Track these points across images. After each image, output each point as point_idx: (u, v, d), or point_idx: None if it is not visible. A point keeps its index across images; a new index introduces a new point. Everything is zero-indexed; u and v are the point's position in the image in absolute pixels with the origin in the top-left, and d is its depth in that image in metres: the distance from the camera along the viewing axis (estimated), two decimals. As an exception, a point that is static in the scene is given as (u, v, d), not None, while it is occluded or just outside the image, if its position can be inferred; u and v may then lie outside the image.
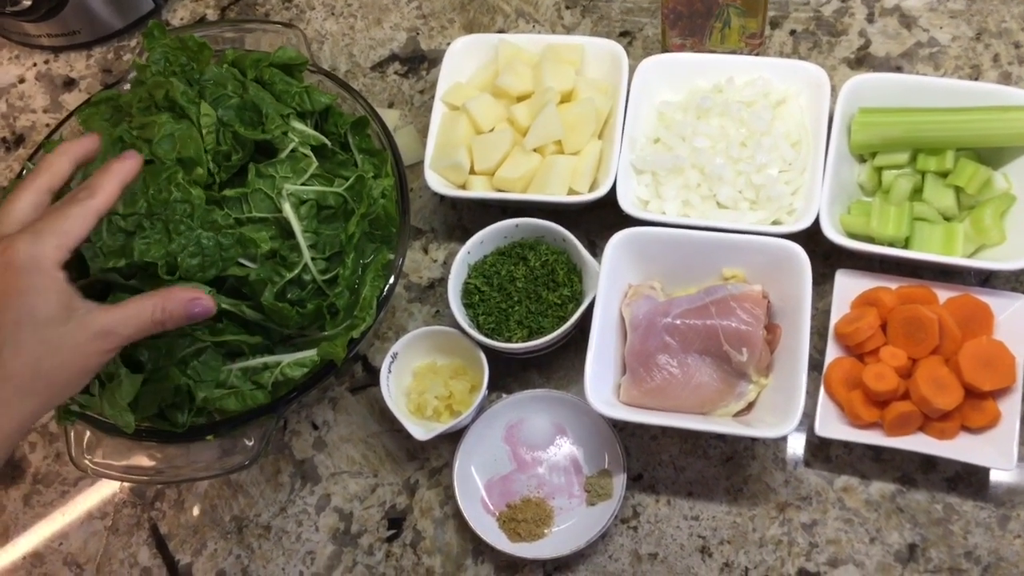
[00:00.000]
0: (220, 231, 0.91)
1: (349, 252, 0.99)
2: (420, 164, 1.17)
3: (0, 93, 1.36)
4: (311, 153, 1.02)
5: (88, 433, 1.00)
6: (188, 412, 0.96)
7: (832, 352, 1.01)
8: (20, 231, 0.76)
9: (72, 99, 1.33)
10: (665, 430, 1.04)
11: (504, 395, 1.08)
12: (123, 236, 0.91)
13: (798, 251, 0.99)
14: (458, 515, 1.01)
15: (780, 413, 0.94)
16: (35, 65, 1.38)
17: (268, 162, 0.98)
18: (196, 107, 1.00)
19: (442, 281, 1.15)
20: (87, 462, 0.99)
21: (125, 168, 0.82)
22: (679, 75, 1.12)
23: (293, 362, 0.98)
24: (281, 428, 1.10)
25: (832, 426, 0.98)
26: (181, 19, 1.38)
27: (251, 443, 0.99)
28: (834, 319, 1.02)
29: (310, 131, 1.05)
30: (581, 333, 1.05)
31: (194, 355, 0.95)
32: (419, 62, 1.29)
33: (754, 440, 1.03)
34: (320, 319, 0.98)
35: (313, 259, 0.97)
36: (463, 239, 1.10)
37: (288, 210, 0.96)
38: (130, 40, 1.37)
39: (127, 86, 1.13)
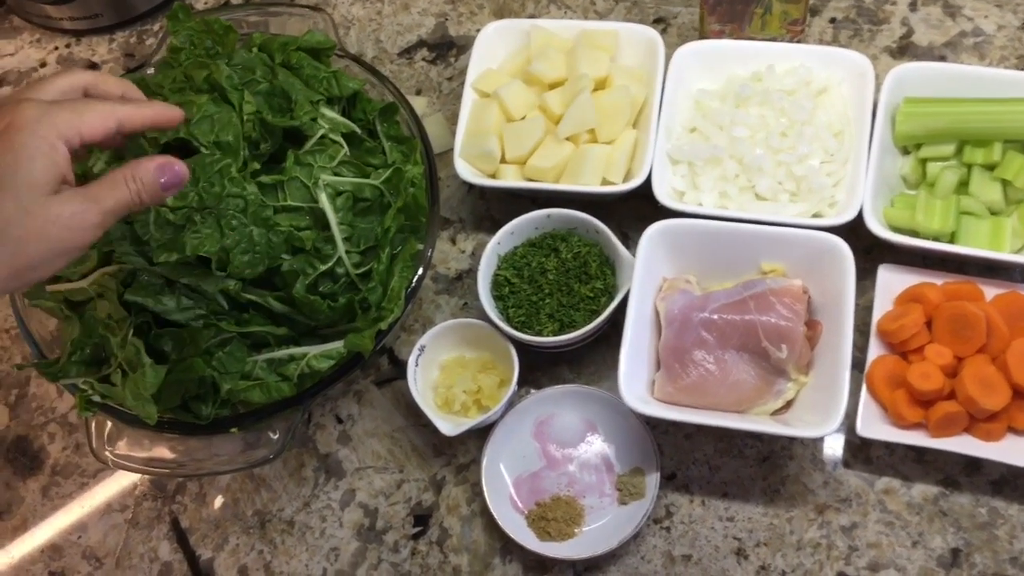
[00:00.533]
0: (272, 228, 0.90)
1: (384, 246, 0.96)
2: (448, 152, 1.14)
3: (21, 77, 1.34)
4: (342, 140, 1.00)
5: (109, 424, 0.98)
6: (212, 404, 0.94)
7: (874, 350, 0.98)
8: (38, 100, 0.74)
9: (94, 84, 1.31)
10: (700, 428, 1.01)
11: (533, 390, 1.05)
12: (172, 230, 0.88)
13: (841, 245, 0.96)
14: (486, 513, 0.98)
15: (821, 412, 0.92)
16: (56, 49, 1.35)
17: (305, 150, 0.95)
18: (239, 93, 0.97)
19: (470, 272, 1.13)
20: (108, 454, 0.97)
21: (167, 114, 0.79)
22: (717, 62, 1.09)
23: (319, 354, 0.96)
24: (305, 421, 1.08)
25: (874, 426, 0.95)
26: (205, 3, 1.35)
27: (275, 436, 0.96)
28: (876, 316, 0.99)
29: (340, 118, 1.03)
30: (613, 327, 1.03)
31: (219, 346, 0.93)
32: (447, 48, 1.26)
33: (792, 440, 1.00)
34: (351, 314, 0.96)
35: (347, 252, 0.95)
36: (492, 229, 1.07)
37: (324, 201, 0.93)
38: (153, 24, 1.35)
39: (151, 70, 1.11)
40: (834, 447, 1.00)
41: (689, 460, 1.01)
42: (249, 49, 1.05)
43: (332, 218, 0.95)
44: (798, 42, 1.12)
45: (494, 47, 1.15)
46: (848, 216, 0.99)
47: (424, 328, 1.10)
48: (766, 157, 1.03)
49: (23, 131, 0.70)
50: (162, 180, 0.75)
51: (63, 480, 1.09)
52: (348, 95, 1.04)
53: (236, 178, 0.87)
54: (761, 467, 1.00)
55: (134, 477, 1.07)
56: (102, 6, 1.30)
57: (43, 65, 1.34)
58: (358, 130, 1.04)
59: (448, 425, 0.99)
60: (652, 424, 0.99)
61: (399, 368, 1.09)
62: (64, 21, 1.32)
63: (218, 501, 1.05)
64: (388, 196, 0.99)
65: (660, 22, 1.22)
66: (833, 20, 1.19)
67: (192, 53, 1.04)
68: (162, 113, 0.79)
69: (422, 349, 1.03)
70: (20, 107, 0.71)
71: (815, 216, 1.02)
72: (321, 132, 0.99)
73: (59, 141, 0.72)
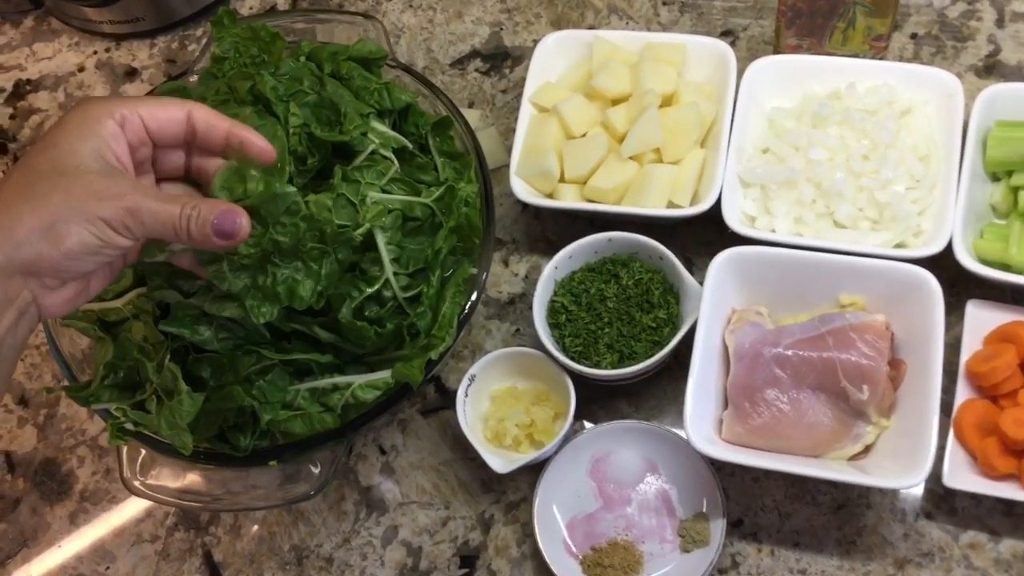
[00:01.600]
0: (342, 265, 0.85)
1: (435, 269, 0.90)
2: (501, 169, 1.09)
3: (58, 82, 1.29)
4: (392, 156, 0.94)
5: (143, 452, 0.92)
6: (251, 435, 0.88)
7: (962, 393, 0.91)
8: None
9: (133, 90, 1.26)
10: (769, 472, 0.94)
11: (589, 424, 0.99)
12: (247, 275, 0.80)
13: (928, 278, 0.89)
14: (537, 556, 0.92)
15: (904, 460, 0.85)
16: (95, 53, 1.31)
17: (354, 166, 0.89)
18: (285, 105, 0.92)
19: (523, 297, 1.07)
20: (138, 484, 0.91)
21: (253, 138, 0.76)
22: (793, 79, 1.03)
23: (365, 384, 0.90)
24: (346, 452, 1.02)
25: (962, 476, 0.88)
26: (250, 8, 1.30)
27: (317, 470, 0.91)
28: (964, 355, 0.92)
29: (391, 132, 0.97)
30: (675, 359, 0.97)
31: (260, 373, 0.87)
32: (502, 59, 1.20)
33: (869, 487, 0.92)
34: (399, 340, 0.90)
35: (395, 274, 0.89)
36: (546, 252, 1.01)
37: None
38: (196, 29, 1.30)
39: (194, 78, 1.06)
40: (915, 496, 0.93)
41: (757, 506, 0.94)
42: (296, 58, 1.00)
43: (380, 238, 0.89)
44: (880, 59, 1.05)
45: (553, 59, 1.09)
46: (936, 247, 0.92)
47: (473, 355, 1.04)
48: (846, 181, 0.96)
49: (75, 110, 0.68)
50: (215, 222, 0.70)
51: (91, 507, 1.03)
52: (400, 108, 0.99)
53: (307, 213, 0.80)
54: (836, 516, 0.93)
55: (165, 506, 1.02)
56: (144, 9, 1.25)
57: (81, 70, 1.30)
58: (409, 145, 0.98)
59: (499, 461, 0.93)
60: (717, 466, 0.93)
61: (446, 397, 1.03)
62: (104, 24, 1.27)
63: (253, 534, 1.00)
64: (440, 215, 0.93)
65: (728, 35, 1.16)
66: (914, 36, 1.12)
67: (236, 62, 0.99)
68: (247, 134, 0.76)
69: (472, 379, 0.97)
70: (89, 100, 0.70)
71: (899, 246, 0.95)
72: (371, 147, 0.93)
73: (107, 117, 0.69)
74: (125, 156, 0.71)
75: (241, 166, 0.76)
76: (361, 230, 0.85)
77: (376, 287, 0.89)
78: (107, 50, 1.31)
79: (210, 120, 0.75)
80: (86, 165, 0.67)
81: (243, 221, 0.71)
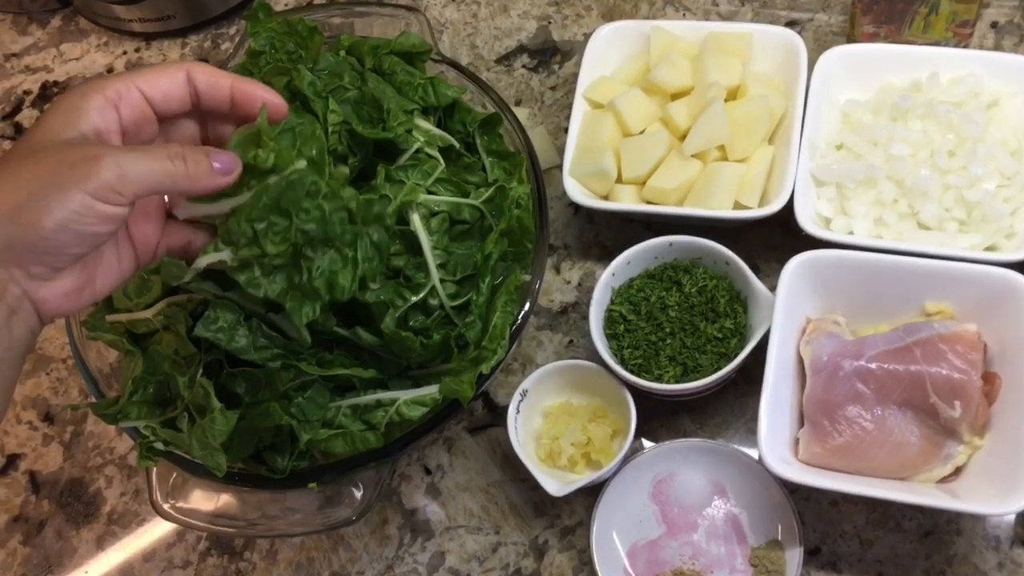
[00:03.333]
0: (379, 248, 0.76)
1: (484, 275, 0.84)
2: (551, 170, 1.02)
3: (87, 83, 1.24)
4: (438, 155, 0.88)
5: (174, 474, 0.86)
6: (289, 456, 0.82)
7: (1064, 409, 0.83)
8: None
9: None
10: (850, 496, 0.86)
11: (649, 443, 0.92)
12: (281, 276, 0.71)
13: (1022, 284, 0.82)
14: (596, 585, 0.85)
15: (1000, 484, 0.78)
16: (125, 53, 1.26)
17: (398, 165, 0.83)
18: (324, 101, 0.86)
19: (576, 306, 1.00)
20: (168, 508, 0.85)
21: (265, 95, 0.70)
22: (868, 70, 0.96)
23: (411, 400, 0.83)
24: (391, 469, 0.95)
25: (1067, 502, 0.79)
26: (286, 4, 1.25)
27: (359, 493, 0.84)
28: (1066, 368, 0.84)
29: (436, 130, 0.91)
30: (741, 372, 0.90)
31: (298, 389, 0.81)
32: (550, 54, 1.14)
33: (960, 513, 0.85)
34: (446, 352, 0.83)
35: (442, 281, 0.82)
36: (600, 257, 0.95)
37: (417, 223, 0.82)
38: (229, 27, 1.25)
39: (227, 75, 1.00)
40: (1009, 522, 0.85)
41: (836, 532, 0.86)
42: (336, 53, 0.94)
43: (425, 242, 0.83)
44: (965, 46, 0.97)
45: (607, 52, 1.03)
46: None
47: (524, 368, 0.98)
48: (932, 179, 0.88)
49: (66, 91, 0.63)
50: (216, 165, 0.64)
51: (120, 530, 0.98)
52: (446, 104, 0.92)
53: (328, 191, 0.70)
54: (923, 544, 0.85)
55: (198, 529, 0.96)
56: (175, 7, 1.20)
57: (110, 70, 1.25)
58: (456, 143, 0.92)
59: (554, 483, 0.87)
60: (791, 489, 0.85)
61: (495, 414, 0.96)
62: (134, 23, 1.22)
63: (290, 560, 0.94)
64: (489, 218, 0.87)
65: (794, 24, 1.09)
66: (995, 24, 1.04)
67: (273, 57, 0.93)
68: (251, 87, 0.69)
69: (524, 394, 0.91)
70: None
71: (989, 249, 0.88)
72: (416, 146, 0.87)
73: (95, 93, 0.62)
74: (110, 131, 0.64)
75: (260, 131, 0.69)
76: (392, 207, 0.77)
77: (422, 295, 0.83)
78: (137, 50, 1.25)
79: (211, 79, 0.68)
80: (61, 140, 0.61)
81: (234, 158, 0.65)
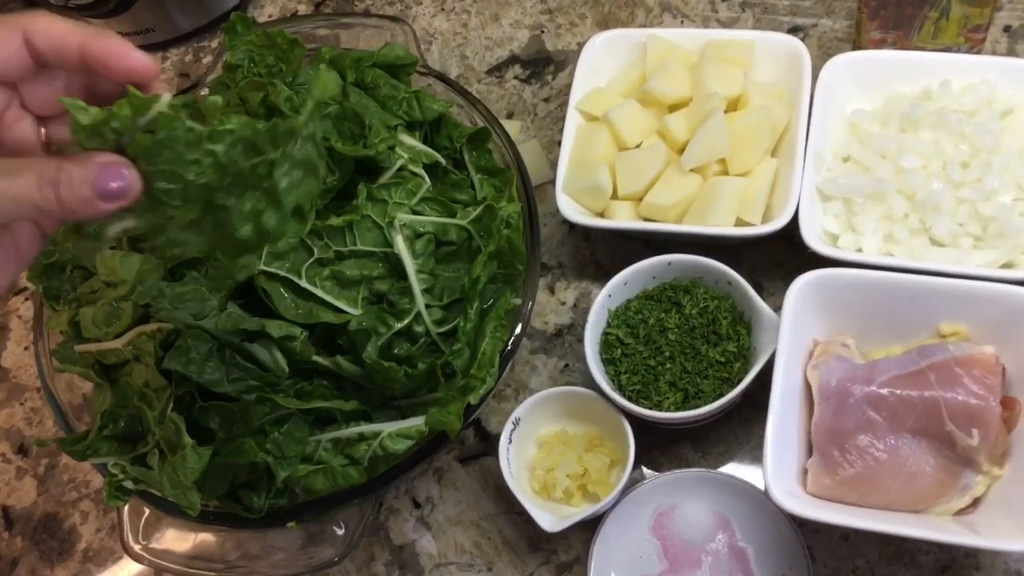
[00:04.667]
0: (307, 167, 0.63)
1: (473, 300, 0.79)
2: (545, 185, 0.98)
3: (65, 100, 1.20)
4: (423, 172, 0.83)
5: (147, 512, 0.82)
6: (266, 494, 0.78)
7: (1089, 437, 0.78)
8: None
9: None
10: (862, 530, 0.82)
11: (650, 472, 0.88)
12: (196, 233, 0.60)
13: None
14: (594, 626, 0.80)
15: (1020, 516, 0.74)
16: None
17: (381, 183, 0.79)
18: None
19: (571, 328, 0.95)
20: (140, 550, 0.81)
21: (126, 55, 0.55)
22: (876, 78, 0.91)
23: (395, 433, 0.79)
24: (376, 505, 0.90)
25: (1093, 536, 0.74)
26: (269, 15, 1.21)
27: (342, 531, 0.80)
28: (1089, 394, 0.79)
29: (421, 146, 0.87)
30: (745, 398, 0.85)
31: (275, 424, 0.76)
32: (544, 65, 1.09)
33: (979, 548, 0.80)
34: (432, 382, 0.79)
35: (428, 307, 0.78)
36: (597, 277, 0.90)
37: (401, 245, 0.77)
38: (211, 40, 1.21)
39: (205, 90, 0.96)
40: (1033, 556, 0.80)
41: (848, 568, 0.82)
42: (317, 66, 0.90)
43: (410, 265, 0.78)
44: (978, 52, 0.92)
45: (602, 62, 0.99)
46: None
47: (517, 394, 0.93)
48: (944, 193, 0.84)
49: None
50: (95, 182, 0.52)
51: (95, 568, 0.93)
52: (432, 119, 0.88)
53: (210, 130, 0.55)
54: (940, 580, 0.80)
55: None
56: (155, 19, 1.16)
57: (89, 87, 1.21)
58: (442, 160, 0.88)
59: (549, 517, 0.82)
60: (800, 522, 0.80)
61: (488, 443, 0.92)
62: (114, 37, 1.18)
63: (273, 599, 0.89)
64: (478, 239, 0.82)
65: (796, 32, 1.04)
66: (1008, 28, 1.00)
67: (250, 71, 0.89)
68: (107, 42, 0.55)
69: (516, 422, 0.86)
70: None
71: (1006, 266, 0.84)
72: (400, 163, 0.83)
73: None
74: None
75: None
76: (305, 116, 0.59)
77: (406, 321, 0.79)
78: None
79: (55, 34, 0.55)
80: None
81: (130, 172, 0.53)
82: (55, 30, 0.55)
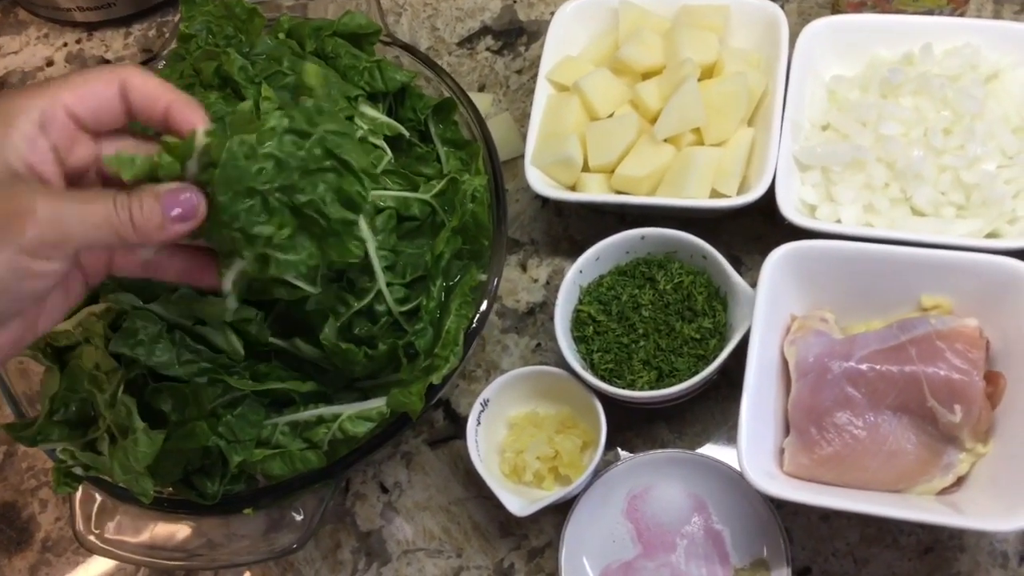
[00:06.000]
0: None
1: (436, 277, 0.77)
2: (517, 160, 0.95)
3: (25, 78, 1.17)
4: (385, 145, 0.80)
5: (99, 499, 0.79)
6: (220, 480, 0.75)
7: (1076, 412, 0.75)
8: None
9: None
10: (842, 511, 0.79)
11: (625, 454, 0.85)
12: (302, 236, 0.62)
13: None
14: (566, 612, 0.78)
15: (1007, 495, 0.71)
16: (66, 45, 1.18)
17: None
18: (256, 88, 0.79)
19: (544, 307, 0.92)
20: (94, 539, 0.78)
21: (187, 107, 0.60)
22: (856, 42, 0.89)
23: (355, 415, 0.76)
24: (342, 490, 0.88)
25: (1081, 514, 0.72)
26: (234, -12, 1.17)
27: (300, 518, 0.77)
28: (1077, 367, 0.76)
29: (383, 117, 0.84)
30: (723, 375, 0.83)
31: (228, 406, 0.73)
32: (516, 36, 1.06)
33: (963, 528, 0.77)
34: (395, 363, 0.76)
35: (389, 285, 0.75)
36: (571, 254, 0.88)
37: (360, 220, 0.74)
38: (174, 15, 1.17)
39: (162, 63, 0.93)
40: (1020, 536, 0.78)
41: (827, 550, 0.79)
42: (275, 35, 0.87)
43: (370, 242, 0.75)
44: (961, 14, 0.89)
45: (573, 30, 0.96)
46: None
47: (488, 375, 0.90)
48: (925, 160, 0.81)
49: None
50: (172, 212, 0.56)
51: (55, 559, 0.90)
52: (395, 89, 0.85)
53: (259, 134, 0.59)
54: (922, 561, 0.78)
55: (136, 557, 0.88)
56: (114, -8, 1.13)
57: (50, 64, 1.18)
58: (406, 132, 0.85)
59: (518, 501, 0.79)
60: (778, 503, 0.78)
61: (458, 425, 0.89)
62: (75, 12, 1.15)
63: (236, 588, 0.86)
64: (441, 213, 0.79)
65: (775, -3, 1.01)
66: (994, -10, 0.96)
67: (206, 41, 0.86)
68: (190, 114, 0.60)
69: (485, 404, 0.83)
70: None
71: (991, 236, 0.81)
72: (359, 135, 0.80)
73: (21, 117, 0.54)
74: (44, 163, 0.56)
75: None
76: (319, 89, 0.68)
77: (367, 300, 0.76)
78: (78, 41, 1.18)
79: (146, 94, 0.59)
80: None
81: (194, 194, 0.57)
82: (149, 87, 0.59)
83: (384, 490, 0.88)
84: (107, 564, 0.89)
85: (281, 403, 0.76)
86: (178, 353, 0.73)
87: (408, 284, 0.78)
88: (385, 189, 0.78)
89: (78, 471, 0.76)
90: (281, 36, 0.87)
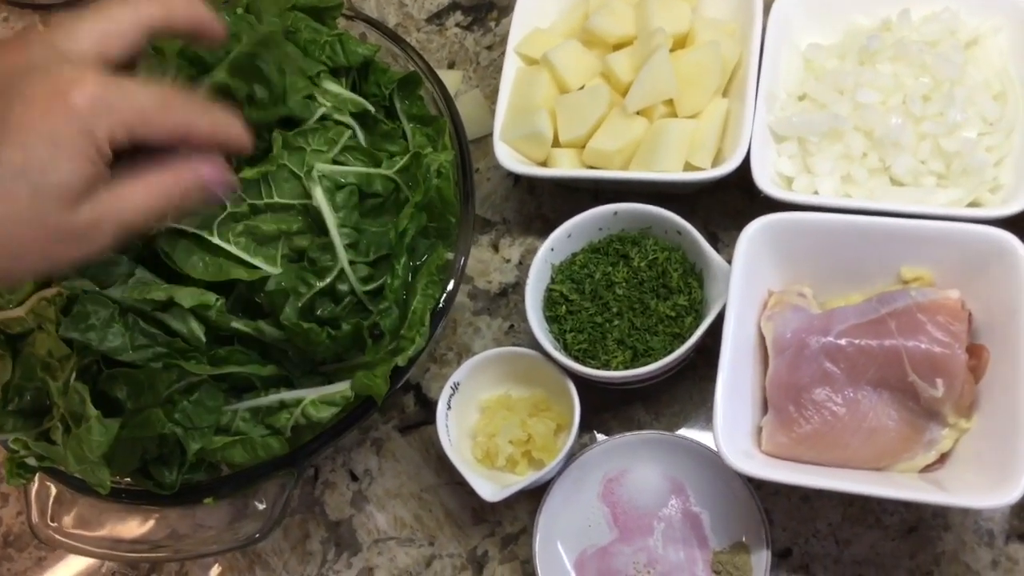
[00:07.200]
0: None
1: (400, 254, 0.74)
2: (488, 138, 0.92)
3: (-15, 62, 1.14)
4: (351, 121, 0.78)
5: (54, 491, 0.76)
6: (179, 469, 0.72)
7: (1061, 384, 0.73)
8: None
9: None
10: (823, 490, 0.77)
11: (600, 437, 0.83)
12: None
13: (1010, 242, 0.72)
14: (541, 600, 0.76)
15: (991, 471, 0.69)
16: (25, 29, 1.15)
17: (298, 130, 0.73)
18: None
19: (516, 287, 0.90)
20: (51, 532, 0.75)
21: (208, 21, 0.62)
22: (832, 9, 0.86)
23: (318, 399, 0.74)
24: (311, 478, 0.86)
25: (1067, 489, 0.70)
26: (198, -32, 1.14)
27: (263, 507, 0.74)
28: (1061, 337, 0.74)
29: (347, 93, 0.81)
30: (700, 354, 0.81)
31: (185, 392, 0.71)
32: (486, 10, 1.04)
33: (947, 506, 0.75)
34: (359, 344, 0.73)
35: (352, 263, 0.72)
36: (544, 232, 0.85)
37: (320, 197, 0.71)
38: (138, -5, 1.14)
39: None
40: (1005, 514, 0.76)
41: (809, 531, 0.77)
42: (233, 11, 0.84)
43: (331, 219, 0.73)
44: (939, -21, 0.87)
45: (542, 2, 0.94)
46: (1019, 205, 0.75)
47: (459, 357, 0.88)
48: (904, 128, 0.78)
49: (52, 112, 0.53)
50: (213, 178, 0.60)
51: (16, 554, 0.88)
52: (357, 64, 0.82)
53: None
54: (906, 541, 0.75)
55: (101, 551, 0.86)
56: (76, -25, 1.09)
57: (9, 48, 1.14)
58: (371, 108, 0.82)
59: (490, 486, 0.77)
60: (757, 484, 0.75)
61: (429, 410, 0.87)
62: (34, -8, 1.12)
63: (203, 582, 0.84)
64: (405, 189, 0.77)
65: (750, -33, 0.98)
66: (974, -44, 0.94)
67: None
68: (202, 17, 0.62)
69: (455, 387, 0.81)
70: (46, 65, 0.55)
71: (972, 205, 0.78)
72: (322, 111, 0.77)
73: (100, 123, 0.54)
74: (107, 168, 0.56)
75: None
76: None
77: (329, 280, 0.73)
78: (38, 24, 1.15)
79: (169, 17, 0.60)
80: (71, 197, 0.54)
81: (226, 174, 0.61)
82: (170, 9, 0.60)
83: (354, 478, 0.86)
84: (71, 558, 0.87)
85: (241, 388, 0.74)
86: (132, 337, 0.70)
87: (372, 263, 0.75)
88: (345, 165, 0.76)
89: (31, 462, 0.73)
90: (239, 11, 0.84)
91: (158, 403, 0.70)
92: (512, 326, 0.89)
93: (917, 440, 0.73)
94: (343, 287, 0.74)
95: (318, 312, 0.74)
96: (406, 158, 0.77)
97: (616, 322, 0.80)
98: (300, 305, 0.72)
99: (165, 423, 0.69)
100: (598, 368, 0.79)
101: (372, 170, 0.76)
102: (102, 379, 0.72)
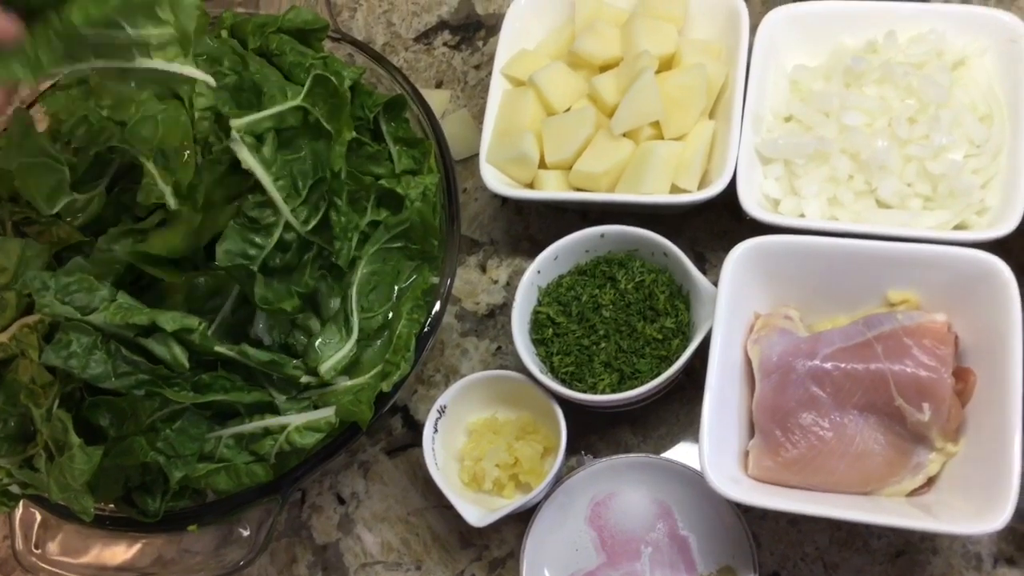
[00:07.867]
0: None
1: (340, 192, 0.75)
2: (475, 158, 0.92)
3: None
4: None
5: (39, 518, 0.76)
6: (162, 496, 0.72)
7: (1048, 408, 0.73)
8: None
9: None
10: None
11: (588, 459, 0.83)
12: None
13: (997, 266, 0.73)
14: (528, 625, 0.75)
15: (979, 496, 0.69)
16: None
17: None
18: (190, 85, 0.75)
19: (504, 308, 0.90)
20: (34, 559, 0.75)
21: None
22: (818, 31, 0.87)
23: (303, 425, 0.74)
24: (298, 502, 0.85)
25: (1055, 514, 0.69)
26: (185, -13, 1.14)
27: (247, 533, 0.74)
28: (1049, 361, 0.74)
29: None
30: (688, 376, 0.81)
31: (168, 420, 0.71)
32: (474, 30, 1.04)
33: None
34: (320, 281, 0.76)
35: (292, 210, 0.73)
36: (532, 253, 0.86)
37: (246, 155, 0.70)
38: None
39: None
40: (993, 536, 0.76)
41: (796, 555, 0.77)
42: (217, 34, 0.84)
43: (263, 176, 0.71)
44: (925, 1, 0.87)
45: (529, 23, 0.94)
46: (1006, 227, 0.76)
47: (447, 380, 0.88)
48: (890, 151, 0.78)
49: None
50: None
51: (1, 578, 0.87)
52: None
53: None
54: (894, 565, 0.75)
55: (86, 575, 0.86)
56: None
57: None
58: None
59: (476, 511, 0.77)
60: (746, 508, 0.75)
61: (416, 432, 0.86)
62: None
63: (189, 607, 0.83)
64: (314, 112, 0.75)
65: (737, -13, 0.98)
66: (962, -25, 0.94)
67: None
68: None
69: (442, 410, 0.81)
70: None
71: (959, 228, 0.79)
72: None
73: None
74: None
75: None
76: None
77: (276, 236, 0.73)
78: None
79: None
80: None
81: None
82: None
83: (341, 501, 0.85)
84: (57, 584, 0.86)
85: (225, 415, 0.74)
86: (114, 365, 0.70)
87: (307, 198, 0.74)
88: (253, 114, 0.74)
89: (15, 489, 0.73)
90: (224, 34, 0.84)
91: (141, 431, 0.70)
92: (500, 347, 0.89)
93: (904, 464, 0.73)
94: (288, 236, 0.74)
95: (271, 264, 0.73)
96: (309, 80, 0.75)
97: (603, 344, 0.80)
98: (260, 262, 0.72)
99: (148, 451, 0.69)
100: (585, 391, 0.79)
101: (281, 108, 0.73)
102: (85, 406, 0.72)
